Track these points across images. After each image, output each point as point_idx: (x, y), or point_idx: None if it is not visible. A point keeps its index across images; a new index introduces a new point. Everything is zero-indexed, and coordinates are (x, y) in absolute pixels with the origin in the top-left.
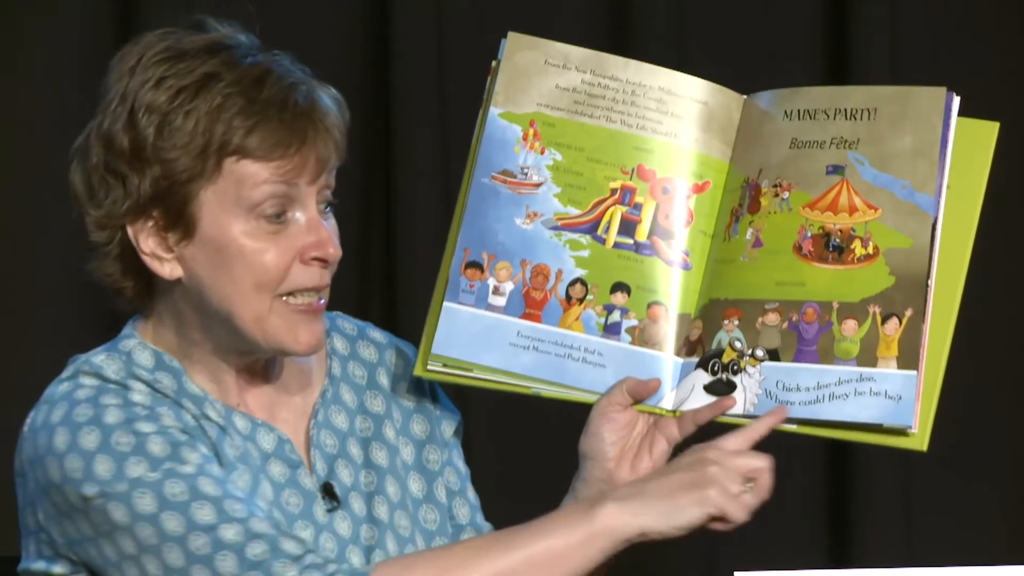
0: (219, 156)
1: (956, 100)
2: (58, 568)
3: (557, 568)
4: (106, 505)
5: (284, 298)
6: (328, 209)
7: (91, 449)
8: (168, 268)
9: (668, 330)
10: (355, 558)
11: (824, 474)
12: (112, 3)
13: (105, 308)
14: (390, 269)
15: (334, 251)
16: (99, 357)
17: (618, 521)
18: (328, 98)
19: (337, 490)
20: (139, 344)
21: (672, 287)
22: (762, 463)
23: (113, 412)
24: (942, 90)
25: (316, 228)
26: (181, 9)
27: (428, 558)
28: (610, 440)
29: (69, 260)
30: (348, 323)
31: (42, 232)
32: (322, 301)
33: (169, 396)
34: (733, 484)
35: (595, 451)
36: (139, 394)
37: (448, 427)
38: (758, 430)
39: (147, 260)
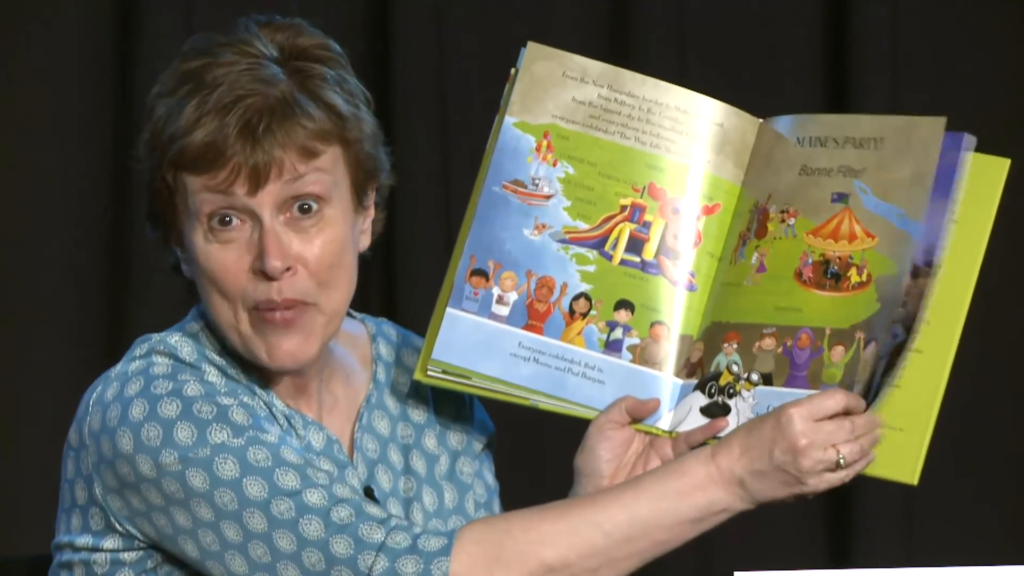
0: (166, 167)
1: (967, 138)
2: (108, 543)
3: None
4: (185, 471)
5: (256, 311)
6: (311, 214)
7: (172, 417)
8: (186, 268)
9: (669, 350)
10: None
11: None
12: (112, 3)
13: (104, 308)
14: (390, 269)
15: (278, 264)
16: (173, 338)
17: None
18: (287, 104)
19: (376, 495)
20: (203, 329)
21: (676, 307)
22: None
23: (193, 386)
24: (942, 120)
25: (261, 239)
26: (181, 9)
27: (519, 515)
28: (606, 457)
29: (69, 260)
30: (393, 330)
31: (42, 232)
32: (289, 313)
33: (241, 382)
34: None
35: (591, 468)
36: (214, 376)
37: (480, 440)
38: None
39: (180, 257)
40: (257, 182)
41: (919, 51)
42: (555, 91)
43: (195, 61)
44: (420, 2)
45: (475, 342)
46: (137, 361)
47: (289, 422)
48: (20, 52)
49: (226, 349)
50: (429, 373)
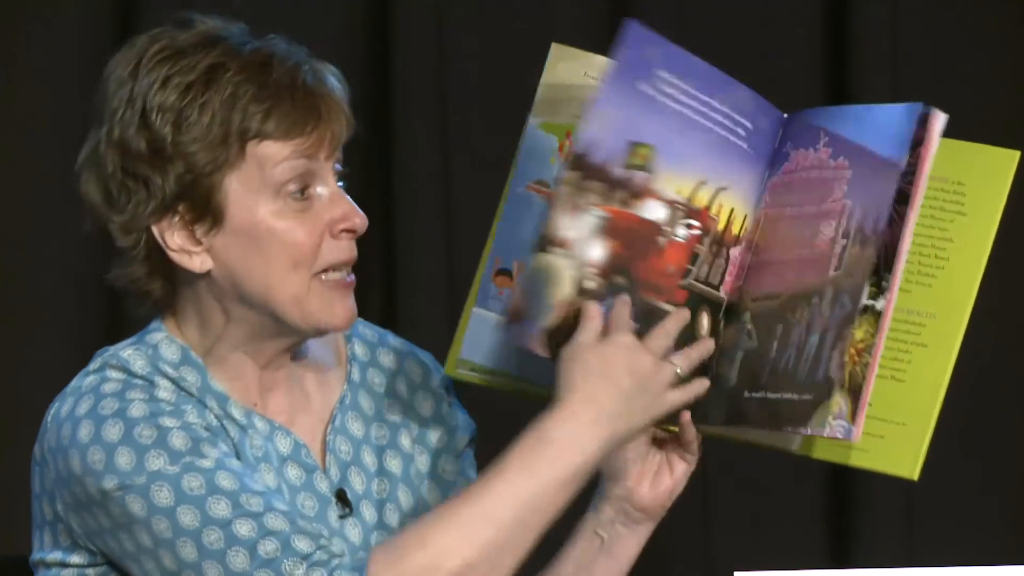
0: (240, 142)
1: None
2: (76, 558)
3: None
4: (125, 497)
5: (320, 276)
6: (343, 184)
7: (114, 441)
8: (199, 261)
9: None
10: None
11: (824, 474)
12: (112, 3)
13: (104, 308)
14: (389, 269)
15: (361, 221)
16: (126, 351)
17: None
18: (330, 74)
19: (349, 497)
20: (166, 338)
21: None
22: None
23: (138, 406)
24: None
25: (340, 201)
26: (181, 9)
27: (412, 533)
28: (631, 457)
29: (69, 260)
30: (369, 329)
31: (42, 232)
32: (351, 277)
33: (193, 394)
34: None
35: (616, 470)
36: (164, 391)
37: (462, 438)
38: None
39: (175, 256)
40: (335, 145)
41: (919, 51)
42: (577, 92)
43: (206, 53)
44: (420, 2)
45: (500, 341)
46: (91, 376)
47: (247, 431)
48: (20, 52)
49: (187, 358)
50: (458, 371)
